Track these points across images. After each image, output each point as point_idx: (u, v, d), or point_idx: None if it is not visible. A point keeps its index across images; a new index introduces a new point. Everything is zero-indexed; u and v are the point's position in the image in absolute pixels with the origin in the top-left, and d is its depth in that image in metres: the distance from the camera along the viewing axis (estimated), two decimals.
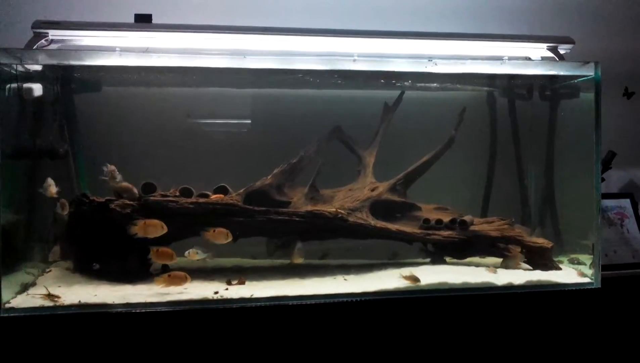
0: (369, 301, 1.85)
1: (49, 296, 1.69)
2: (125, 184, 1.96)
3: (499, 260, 2.21)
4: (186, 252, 1.91)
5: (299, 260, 2.07)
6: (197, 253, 1.91)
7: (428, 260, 2.24)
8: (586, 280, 2.06)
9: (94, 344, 1.66)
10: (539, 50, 2.27)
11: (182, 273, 1.83)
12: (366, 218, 2.17)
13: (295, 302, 1.80)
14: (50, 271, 2.01)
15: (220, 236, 1.93)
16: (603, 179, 2.28)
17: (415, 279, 1.94)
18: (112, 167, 1.95)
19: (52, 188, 1.90)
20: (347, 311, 1.82)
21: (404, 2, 2.51)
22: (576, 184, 2.30)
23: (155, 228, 1.85)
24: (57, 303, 1.68)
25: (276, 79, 2.25)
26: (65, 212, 1.91)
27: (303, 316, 1.79)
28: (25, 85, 1.90)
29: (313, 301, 1.81)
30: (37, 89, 1.94)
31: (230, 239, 1.94)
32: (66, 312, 1.67)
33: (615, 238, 2.32)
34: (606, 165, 2.41)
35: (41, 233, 2.06)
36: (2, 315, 1.64)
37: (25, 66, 1.90)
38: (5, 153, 1.69)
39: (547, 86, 2.48)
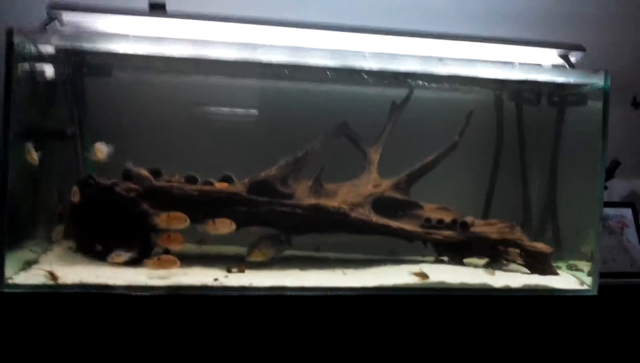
0: (366, 297, 1.87)
1: (51, 274, 1.72)
2: (144, 172, 1.97)
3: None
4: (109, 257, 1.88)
5: (258, 257, 2.03)
6: (119, 255, 1.88)
7: (428, 258, 2.25)
8: (584, 286, 2.07)
9: (93, 324, 1.69)
10: (550, 56, 2.28)
11: (172, 257, 1.84)
12: (368, 214, 2.18)
13: (293, 293, 1.82)
14: (52, 250, 2.03)
15: (223, 226, 1.94)
16: (606, 188, 2.29)
17: (424, 275, 1.96)
18: (98, 144, 1.94)
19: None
20: (344, 305, 1.84)
21: (417, 3, 2.52)
22: (579, 191, 2.31)
23: (179, 220, 1.87)
24: (59, 282, 1.70)
25: (286, 72, 2.26)
26: (77, 199, 1.92)
27: (301, 307, 1.81)
28: (37, 65, 1.92)
29: (311, 294, 1.83)
30: (49, 70, 1.96)
31: (233, 227, 1.95)
32: (67, 291, 1.69)
33: (614, 247, 2.33)
34: (610, 174, 2.41)
35: (46, 211, 2.07)
36: (4, 290, 1.67)
37: (38, 46, 1.91)
38: (14, 132, 1.71)
39: (556, 93, 2.48)
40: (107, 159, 1.96)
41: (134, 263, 1.89)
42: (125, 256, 1.87)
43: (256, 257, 2.02)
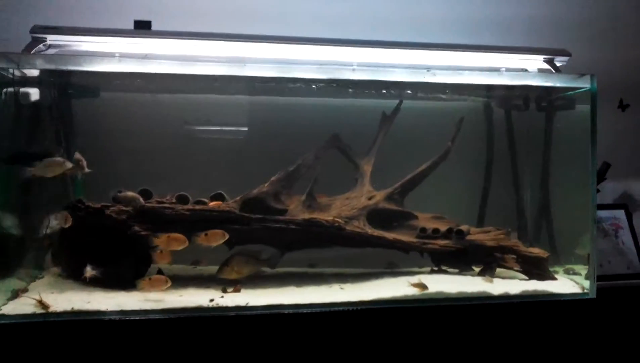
0: (364, 310, 1.84)
1: (40, 303, 1.67)
2: (131, 193, 1.95)
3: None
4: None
5: (231, 275, 1.98)
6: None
7: (424, 269, 2.23)
8: (582, 290, 2.06)
9: (87, 352, 1.64)
10: (536, 62, 2.29)
11: (162, 277, 1.83)
12: (363, 227, 2.17)
13: (291, 311, 1.79)
14: (42, 277, 1.99)
15: (215, 237, 1.92)
16: (598, 191, 2.29)
17: (423, 286, 1.94)
18: (79, 156, 1.90)
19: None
20: (343, 320, 1.81)
21: (403, 13, 2.53)
22: (572, 195, 2.31)
23: (179, 241, 1.86)
24: (49, 310, 1.65)
25: (274, 86, 2.25)
26: (68, 225, 1.88)
27: (299, 324, 1.78)
28: (22, 89, 1.89)
29: (309, 310, 1.80)
30: (34, 93, 1.93)
31: (226, 238, 1.92)
32: (58, 319, 1.65)
33: (609, 249, 2.33)
34: (601, 176, 2.42)
35: (34, 238, 2.03)
36: None
37: (23, 70, 1.89)
38: (1, 157, 1.68)
39: (544, 97, 2.49)
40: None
41: (125, 282, 1.86)
42: (93, 271, 1.82)
43: (228, 275, 1.98)
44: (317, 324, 1.80)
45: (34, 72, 1.95)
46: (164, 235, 1.87)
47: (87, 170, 1.89)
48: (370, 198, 2.28)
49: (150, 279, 1.83)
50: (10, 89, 1.85)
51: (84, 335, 1.65)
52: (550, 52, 2.27)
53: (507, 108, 2.59)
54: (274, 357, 1.76)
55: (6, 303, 1.73)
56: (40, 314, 1.66)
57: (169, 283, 1.83)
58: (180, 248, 1.88)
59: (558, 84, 2.31)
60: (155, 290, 1.82)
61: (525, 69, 2.33)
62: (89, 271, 1.79)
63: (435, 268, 2.23)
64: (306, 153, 2.25)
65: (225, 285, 1.95)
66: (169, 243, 1.87)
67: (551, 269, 2.21)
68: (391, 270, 2.25)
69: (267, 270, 2.14)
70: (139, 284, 1.82)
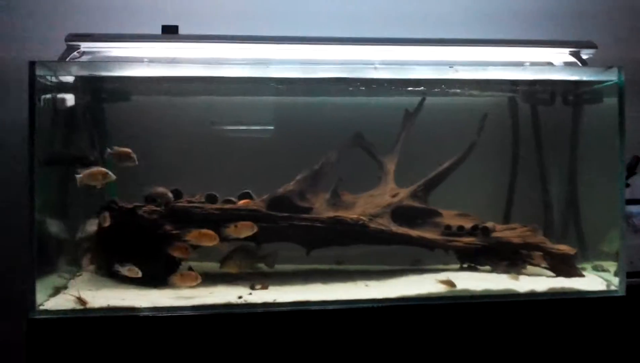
0: (389, 308, 1.86)
1: (79, 299, 1.75)
2: (161, 189, 2.01)
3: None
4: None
5: (231, 269, 2.02)
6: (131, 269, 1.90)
7: (450, 266, 2.24)
8: (610, 287, 2.04)
9: (122, 346, 1.72)
10: (561, 55, 2.26)
11: (192, 273, 1.89)
12: (387, 224, 2.19)
13: (317, 307, 1.83)
14: (81, 275, 2.08)
15: (245, 229, 1.96)
16: (628, 185, 2.25)
17: (451, 283, 1.95)
18: (127, 150, 1.96)
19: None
20: (368, 317, 1.84)
21: (425, 9, 2.51)
22: (600, 190, 2.27)
23: (209, 237, 1.92)
24: (87, 306, 1.73)
25: (299, 87, 2.28)
26: (107, 224, 1.96)
27: (326, 321, 1.82)
28: (59, 95, 1.98)
29: (335, 307, 1.84)
30: (69, 99, 2.01)
31: (255, 230, 1.97)
32: (96, 315, 1.73)
33: None
34: (631, 170, 2.37)
35: (73, 237, 2.12)
36: (36, 316, 1.71)
37: (59, 77, 1.97)
38: (40, 160, 1.76)
39: (570, 91, 2.46)
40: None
41: (158, 280, 1.93)
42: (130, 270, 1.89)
43: (229, 268, 2.03)
44: (344, 321, 1.83)
45: (69, 79, 2.03)
46: (195, 230, 1.92)
47: (136, 162, 1.96)
48: (394, 196, 2.29)
49: (181, 275, 1.90)
50: (49, 96, 1.93)
51: (119, 331, 1.72)
52: (576, 45, 2.22)
53: (532, 103, 2.56)
54: (301, 353, 1.80)
55: (48, 300, 1.81)
56: (79, 310, 1.74)
57: (199, 280, 1.89)
58: (211, 244, 1.93)
59: (584, 78, 2.27)
60: (186, 286, 1.88)
61: (551, 63, 2.31)
62: (126, 270, 1.86)
63: (465, 266, 2.23)
64: (330, 152, 2.27)
65: (253, 281, 2.00)
66: (200, 239, 1.92)
67: (579, 266, 2.19)
68: (417, 267, 2.26)
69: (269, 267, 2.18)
70: (171, 280, 1.88)
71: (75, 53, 1.97)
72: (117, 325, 1.72)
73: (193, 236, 1.93)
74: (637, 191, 2.55)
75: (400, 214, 2.25)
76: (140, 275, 1.88)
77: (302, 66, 2.14)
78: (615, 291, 2.01)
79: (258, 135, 2.46)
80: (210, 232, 1.93)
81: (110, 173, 1.90)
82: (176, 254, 1.93)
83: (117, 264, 1.89)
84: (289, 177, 2.19)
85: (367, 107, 2.45)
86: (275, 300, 1.85)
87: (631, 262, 2.20)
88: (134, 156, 1.95)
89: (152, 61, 1.98)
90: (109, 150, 1.97)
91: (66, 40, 1.96)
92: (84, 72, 2.04)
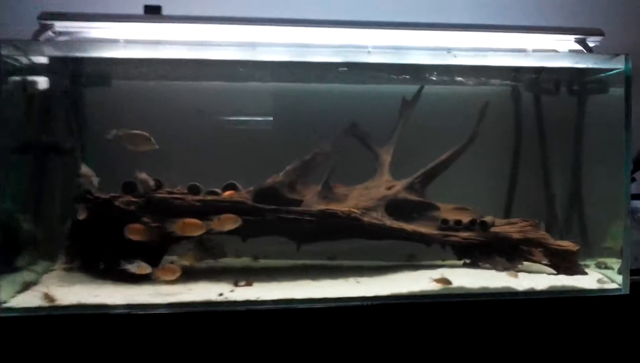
0: (380, 306, 1.76)
1: (47, 296, 1.65)
2: (143, 175, 1.91)
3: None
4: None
5: (189, 260, 1.96)
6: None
7: (447, 262, 2.14)
8: (613, 285, 1.94)
9: (92, 346, 1.61)
10: (567, 42, 2.16)
11: (172, 266, 1.81)
12: (381, 218, 2.08)
13: (303, 306, 1.72)
14: (54, 269, 1.97)
15: (228, 222, 1.87)
16: (634, 179, 2.16)
17: (446, 281, 1.85)
18: (87, 170, 1.86)
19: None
20: (357, 315, 1.74)
21: None
22: (605, 184, 2.18)
23: (195, 227, 1.83)
24: (55, 304, 1.63)
25: (289, 72, 2.17)
26: (83, 217, 1.85)
27: (311, 320, 1.71)
28: (30, 78, 1.86)
29: (323, 305, 1.73)
30: (42, 82, 1.90)
31: (239, 223, 1.88)
32: (64, 313, 1.62)
33: None
34: (638, 164, 2.28)
35: (46, 230, 2.01)
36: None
37: (31, 58, 1.85)
38: (7, 148, 1.65)
39: (575, 80, 2.35)
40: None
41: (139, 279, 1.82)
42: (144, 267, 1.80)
43: (187, 260, 1.96)
44: (331, 320, 1.73)
45: (43, 60, 1.91)
46: (180, 220, 1.83)
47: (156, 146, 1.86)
48: (389, 188, 2.19)
49: (162, 268, 1.82)
50: (19, 78, 1.81)
51: (89, 329, 1.61)
52: (581, 32, 2.13)
53: (536, 92, 2.45)
54: (285, 355, 1.70)
55: (15, 296, 1.70)
56: (46, 307, 1.63)
57: (179, 272, 1.80)
58: (197, 234, 1.84)
59: (590, 66, 2.17)
60: (167, 279, 1.79)
61: (556, 50, 2.20)
62: (135, 267, 1.78)
63: (464, 262, 2.13)
64: (323, 142, 2.16)
65: (238, 278, 1.89)
66: (185, 229, 1.83)
67: (582, 262, 2.09)
68: (412, 263, 2.17)
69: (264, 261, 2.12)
70: (155, 273, 1.80)
71: (49, 33, 1.85)
72: (88, 323, 1.61)
73: (178, 226, 1.83)
74: None
75: (395, 207, 2.15)
76: (150, 271, 1.79)
77: (292, 50, 2.02)
78: (619, 289, 1.92)
79: (247, 123, 2.35)
80: (196, 221, 1.83)
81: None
82: (134, 237, 1.82)
83: (124, 261, 1.78)
84: (280, 168, 2.08)
85: (363, 96, 2.35)
86: (258, 297, 1.74)
87: (636, 259, 2.10)
88: (152, 138, 1.84)
89: (130, 42, 1.85)
90: (114, 132, 1.84)
91: (39, 18, 1.84)
92: (58, 53, 1.91)
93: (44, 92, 1.93)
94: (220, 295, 1.75)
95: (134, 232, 1.82)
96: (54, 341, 1.59)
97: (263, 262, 2.22)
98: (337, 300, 1.76)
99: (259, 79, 2.27)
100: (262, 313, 1.70)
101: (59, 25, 1.88)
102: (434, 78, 2.30)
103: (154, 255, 1.90)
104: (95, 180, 1.86)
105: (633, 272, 1.94)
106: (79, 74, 2.11)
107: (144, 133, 1.87)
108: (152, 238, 1.83)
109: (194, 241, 1.95)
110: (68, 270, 1.95)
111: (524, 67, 2.30)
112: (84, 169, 1.86)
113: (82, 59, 1.99)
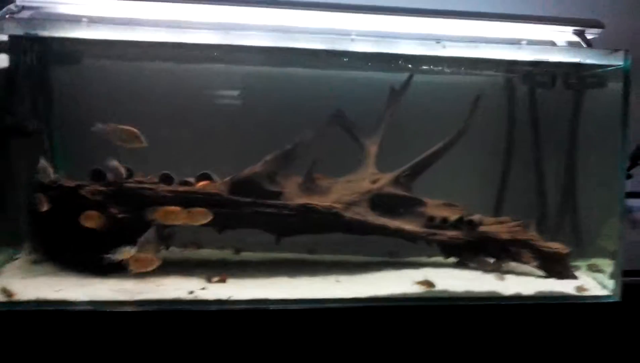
0: (360, 308, 1.68)
1: (4, 291, 1.54)
2: (115, 162, 1.80)
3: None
4: None
5: (149, 252, 1.77)
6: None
7: (433, 259, 2.08)
8: (604, 291, 1.87)
9: (51, 345, 1.52)
10: (564, 34, 2.09)
11: (150, 256, 1.70)
12: (364, 214, 1.99)
13: (277, 307, 1.63)
14: (17, 259, 1.86)
15: (198, 216, 1.78)
16: (630, 176, 2.09)
17: (429, 284, 1.78)
18: (44, 164, 1.77)
19: None
20: (335, 318, 1.65)
21: None
22: (600, 182, 2.10)
23: (176, 214, 1.75)
24: (12, 299, 1.52)
25: (271, 56, 2.05)
26: (45, 209, 1.74)
27: (286, 322, 1.63)
28: None
29: (298, 307, 1.64)
30: (2, 60, 1.77)
31: (210, 218, 1.78)
32: (22, 309, 1.52)
33: None
34: (635, 161, 2.20)
35: (8, 217, 1.90)
36: None
37: None
38: None
39: (572, 74, 2.25)
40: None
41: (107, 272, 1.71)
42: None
43: (146, 251, 1.76)
44: (307, 322, 1.64)
45: (3, 37, 1.78)
46: (161, 208, 1.73)
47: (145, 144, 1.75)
48: (374, 182, 2.09)
49: (137, 259, 1.68)
50: None
51: (49, 327, 1.51)
52: (580, 23, 2.06)
53: (531, 85, 2.35)
54: (256, 358, 1.61)
55: None
56: (3, 303, 1.53)
57: (157, 263, 1.70)
58: (179, 222, 1.75)
59: (587, 60, 2.07)
60: (144, 269, 1.68)
61: (553, 42, 2.11)
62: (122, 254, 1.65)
63: (450, 260, 2.05)
64: (305, 131, 2.06)
65: (212, 274, 1.80)
66: (166, 217, 1.74)
67: (574, 264, 2.02)
68: (395, 260, 2.09)
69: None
70: (129, 262, 1.67)
71: (11, 7, 1.72)
72: (47, 320, 1.51)
73: (159, 214, 1.74)
74: None
75: (380, 202, 2.06)
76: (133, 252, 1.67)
77: (275, 34, 1.90)
78: (610, 296, 1.84)
79: (226, 109, 2.25)
80: (177, 209, 1.74)
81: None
82: (88, 224, 1.71)
83: (109, 253, 1.64)
84: (260, 158, 1.97)
85: (349, 82, 2.24)
86: (230, 297, 1.65)
87: (630, 259, 2.03)
88: (141, 136, 1.73)
89: (93, 21, 1.72)
90: (99, 125, 1.73)
91: None
92: (24, 30, 1.78)
93: (5, 70, 1.80)
94: (191, 293, 1.66)
95: (88, 219, 1.71)
96: (11, 340, 1.50)
97: (243, 255, 2.12)
98: (314, 302, 1.67)
99: (239, 61, 2.15)
100: (235, 314, 1.61)
101: (22, 0, 1.76)
102: (425, 67, 2.20)
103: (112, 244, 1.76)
104: (50, 171, 1.76)
105: (627, 273, 1.87)
106: (43, 52, 1.98)
107: (133, 129, 1.75)
108: (106, 225, 1.72)
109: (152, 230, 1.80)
110: (32, 260, 1.84)
111: (519, 60, 2.19)
112: (42, 163, 1.76)
113: (51, 37, 1.86)
